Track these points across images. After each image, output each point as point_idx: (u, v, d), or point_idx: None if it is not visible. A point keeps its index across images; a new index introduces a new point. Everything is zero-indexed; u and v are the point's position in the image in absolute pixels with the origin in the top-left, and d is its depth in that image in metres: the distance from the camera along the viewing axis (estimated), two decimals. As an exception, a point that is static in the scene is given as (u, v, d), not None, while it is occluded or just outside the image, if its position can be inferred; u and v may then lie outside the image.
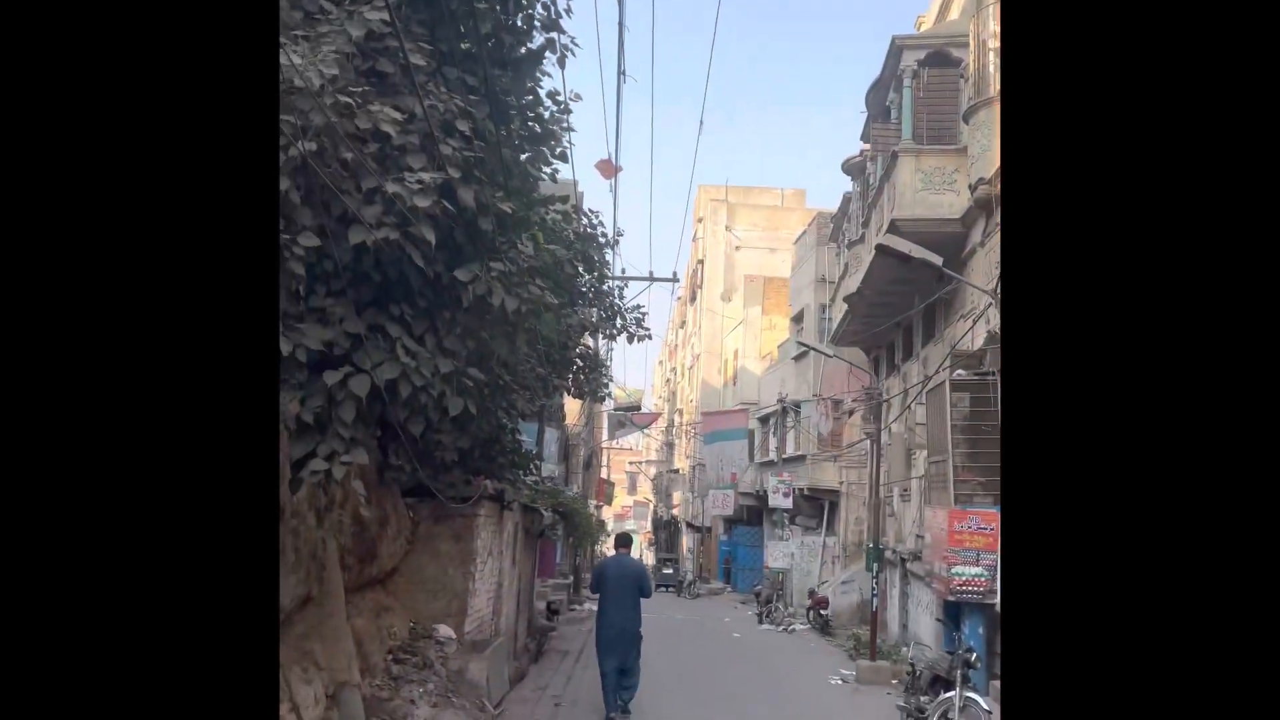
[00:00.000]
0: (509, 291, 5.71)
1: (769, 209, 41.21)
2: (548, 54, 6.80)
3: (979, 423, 11.76)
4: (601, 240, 11.92)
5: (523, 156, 7.12)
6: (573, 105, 7.93)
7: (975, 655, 8.80)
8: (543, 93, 7.40)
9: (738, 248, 39.29)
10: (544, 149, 7.39)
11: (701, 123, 63.19)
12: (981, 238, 12.84)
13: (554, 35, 6.74)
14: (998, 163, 11.77)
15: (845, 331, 20.40)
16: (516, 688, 10.53)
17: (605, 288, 13.48)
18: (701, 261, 41.40)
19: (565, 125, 7.78)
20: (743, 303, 34.57)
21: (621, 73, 9.66)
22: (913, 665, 9.87)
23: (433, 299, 5.76)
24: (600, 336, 14.76)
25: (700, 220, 42.32)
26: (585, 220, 11.70)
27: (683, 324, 52.27)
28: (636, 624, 9.49)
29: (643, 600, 9.63)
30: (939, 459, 12.42)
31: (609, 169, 14.48)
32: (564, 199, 9.04)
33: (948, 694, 8.29)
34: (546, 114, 7.55)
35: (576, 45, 6.89)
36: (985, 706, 8.14)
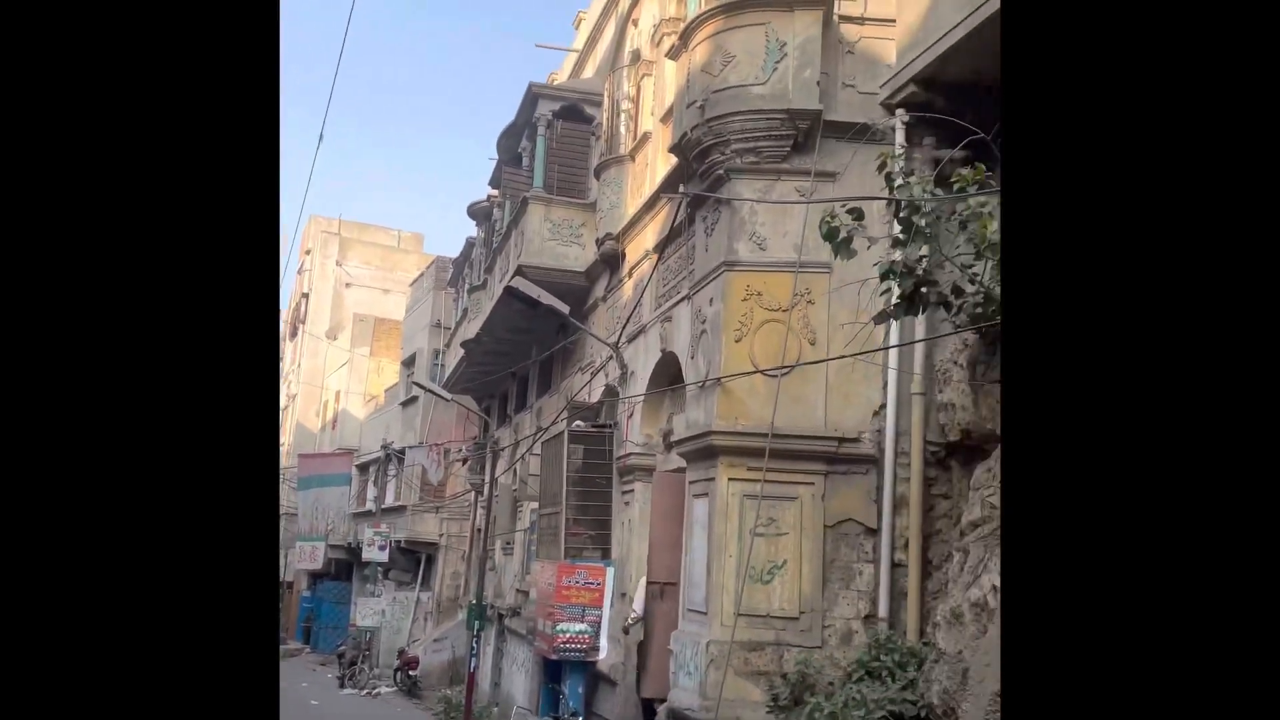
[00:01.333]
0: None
1: (384, 249, 39.74)
2: None
3: (593, 475, 11.68)
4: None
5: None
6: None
7: (579, 718, 8.46)
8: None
9: (348, 285, 37.32)
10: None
11: (322, 136, 59.14)
12: (604, 292, 12.96)
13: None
14: (625, 220, 11.96)
15: (459, 378, 19.81)
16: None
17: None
18: (307, 295, 38.72)
19: None
20: (350, 342, 32.71)
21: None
22: (514, 731, 9.32)
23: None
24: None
25: (309, 252, 39.67)
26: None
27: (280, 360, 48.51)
28: None
29: None
30: (551, 511, 12.15)
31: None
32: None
33: (552, 762, 7.81)
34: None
35: None
36: (589, 772, 7.77)
